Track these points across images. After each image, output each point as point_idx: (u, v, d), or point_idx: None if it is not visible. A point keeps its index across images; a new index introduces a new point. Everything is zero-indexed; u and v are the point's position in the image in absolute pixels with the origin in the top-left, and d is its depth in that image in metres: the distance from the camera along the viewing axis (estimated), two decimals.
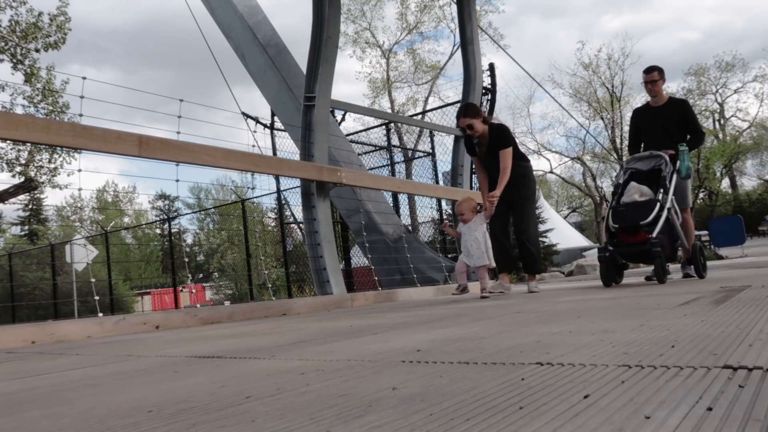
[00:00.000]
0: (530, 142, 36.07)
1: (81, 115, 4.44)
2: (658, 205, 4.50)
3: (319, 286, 6.16)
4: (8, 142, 12.89)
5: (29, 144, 12.11)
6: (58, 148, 13.96)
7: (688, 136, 5.17)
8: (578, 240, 25.27)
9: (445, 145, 9.82)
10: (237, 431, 0.93)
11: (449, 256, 8.84)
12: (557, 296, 4.11)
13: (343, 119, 9.97)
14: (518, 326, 2.17)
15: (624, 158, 5.37)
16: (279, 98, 8.62)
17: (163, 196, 45.47)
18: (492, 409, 0.91)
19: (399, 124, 17.91)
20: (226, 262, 31.97)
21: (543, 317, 2.47)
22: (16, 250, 21.63)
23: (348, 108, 7.64)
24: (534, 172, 5.62)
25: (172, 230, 17.62)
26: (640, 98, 28.51)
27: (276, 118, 10.18)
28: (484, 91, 9.02)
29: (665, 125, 5.24)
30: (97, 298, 5.15)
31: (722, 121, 40.16)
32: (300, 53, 7.78)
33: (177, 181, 5.08)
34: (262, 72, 8.71)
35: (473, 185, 8.51)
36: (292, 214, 11.22)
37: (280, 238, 12.27)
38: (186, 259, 8.85)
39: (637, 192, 4.69)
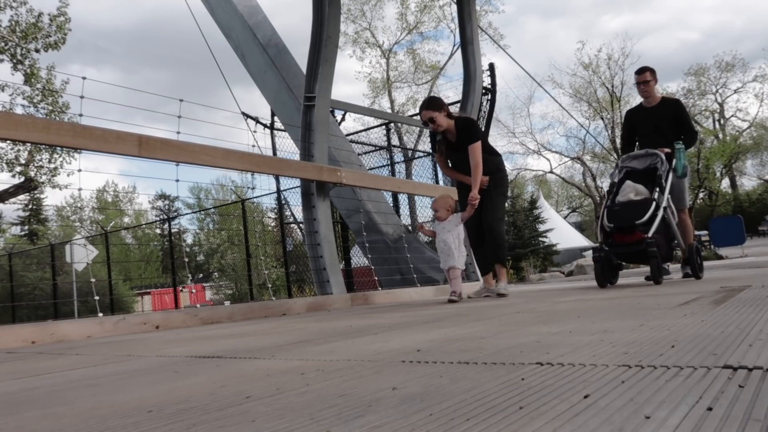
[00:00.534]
0: (530, 142, 36.10)
1: (81, 115, 4.44)
2: (654, 204, 4.44)
3: (319, 286, 6.16)
4: (8, 142, 12.89)
5: (29, 144, 12.11)
6: (58, 148, 13.96)
7: (682, 136, 5.16)
8: (578, 240, 25.30)
9: None
10: (237, 431, 0.93)
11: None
12: (557, 296, 4.11)
13: (343, 119, 9.97)
14: (518, 326, 2.17)
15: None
16: (279, 98, 8.61)
17: (163, 196, 45.48)
18: (492, 409, 0.91)
19: (399, 124, 17.91)
20: (226, 262, 31.96)
21: (543, 317, 2.47)
22: (16, 250, 21.63)
23: (348, 108, 7.63)
24: (506, 166, 5.20)
25: (172, 230, 17.63)
26: (639, 98, 28.41)
27: (276, 118, 10.17)
28: (484, 91, 9.02)
29: (659, 125, 5.22)
30: (97, 298, 5.15)
31: (722, 121, 40.14)
32: (300, 53, 7.78)
33: (177, 181, 5.08)
34: (262, 72, 8.70)
35: None
36: (292, 214, 11.22)
37: (280, 238, 12.27)
38: (186, 259, 8.86)
39: (632, 191, 4.62)
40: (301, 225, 10.06)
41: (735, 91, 37.93)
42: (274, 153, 10.55)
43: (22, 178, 14.96)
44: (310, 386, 1.25)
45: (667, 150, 4.82)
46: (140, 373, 1.79)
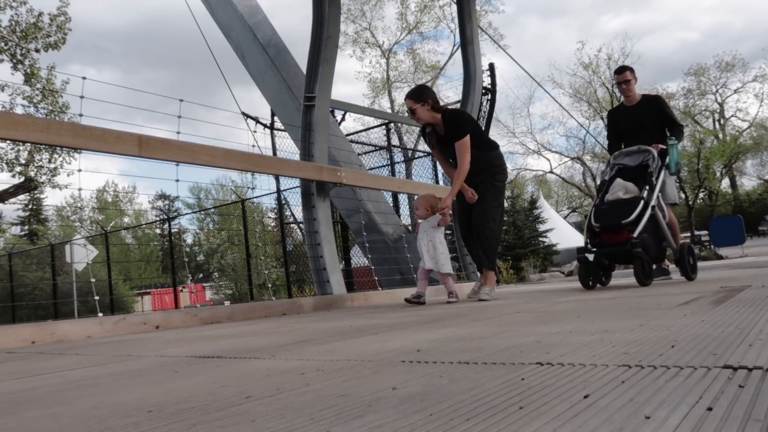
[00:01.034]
0: (530, 142, 36.13)
1: (81, 115, 4.44)
2: (642, 202, 4.31)
3: (319, 286, 6.16)
4: (8, 142, 12.89)
5: (29, 144, 12.11)
6: (58, 148, 13.96)
7: (668, 132, 5.08)
8: (578, 240, 25.22)
9: None
10: (237, 431, 0.93)
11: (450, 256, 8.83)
12: (557, 296, 4.11)
13: (343, 119, 9.97)
14: (518, 326, 2.17)
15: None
16: (279, 98, 8.62)
17: (163, 196, 45.49)
18: (492, 409, 0.91)
19: (399, 124, 17.91)
20: (226, 262, 31.98)
21: (543, 317, 2.47)
22: (16, 250, 21.63)
23: (348, 108, 7.64)
24: (505, 160, 4.89)
25: (172, 230, 17.62)
26: None
27: (276, 118, 10.17)
28: (484, 91, 9.02)
29: (644, 123, 5.17)
30: (97, 298, 5.15)
31: (722, 121, 40.15)
32: (300, 53, 7.78)
33: (177, 181, 5.08)
34: (262, 72, 8.70)
35: None
36: (292, 214, 11.22)
37: (280, 238, 12.27)
38: (186, 259, 8.86)
39: (621, 189, 4.51)
40: (301, 225, 10.06)
41: (735, 91, 38.00)
42: (274, 153, 10.55)
43: (22, 178, 14.96)
44: (310, 386, 1.25)
45: (662, 146, 4.72)
46: (140, 373, 1.79)
